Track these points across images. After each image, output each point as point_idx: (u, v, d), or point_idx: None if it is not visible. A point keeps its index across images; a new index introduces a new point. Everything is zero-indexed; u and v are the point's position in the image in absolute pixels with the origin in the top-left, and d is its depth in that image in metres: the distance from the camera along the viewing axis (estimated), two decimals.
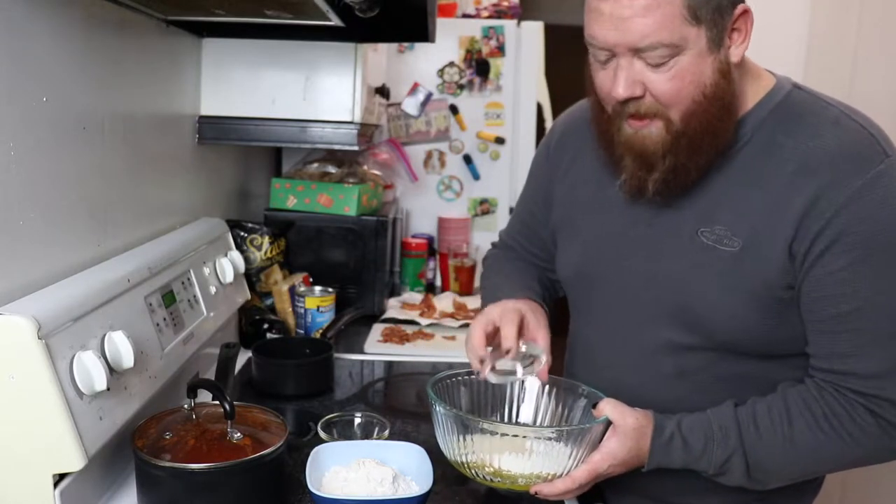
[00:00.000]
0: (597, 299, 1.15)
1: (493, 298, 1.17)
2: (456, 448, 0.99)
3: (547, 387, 1.11)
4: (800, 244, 0.94)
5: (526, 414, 1.12)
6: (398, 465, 1.06)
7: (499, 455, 0.97)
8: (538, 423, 1.12)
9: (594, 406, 1.01)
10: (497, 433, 0.97)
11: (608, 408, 0.99)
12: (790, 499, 1.11)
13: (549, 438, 0.97)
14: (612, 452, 0.97)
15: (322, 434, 1.22)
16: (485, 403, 1.12)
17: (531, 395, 1.12)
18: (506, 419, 1.13)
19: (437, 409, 1.00)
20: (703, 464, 0.99)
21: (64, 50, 1.06)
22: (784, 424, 0.97)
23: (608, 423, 0.99)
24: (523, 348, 1.07)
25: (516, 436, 0.99)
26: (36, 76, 0.99)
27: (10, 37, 0.93)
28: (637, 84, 0.94)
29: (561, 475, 0.97)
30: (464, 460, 1.00)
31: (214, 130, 1.67)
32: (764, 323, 0.98)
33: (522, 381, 1.10)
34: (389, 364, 1.74)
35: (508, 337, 1.05)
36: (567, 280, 1.21)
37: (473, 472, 1.00)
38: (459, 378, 1.11)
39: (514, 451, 0.97)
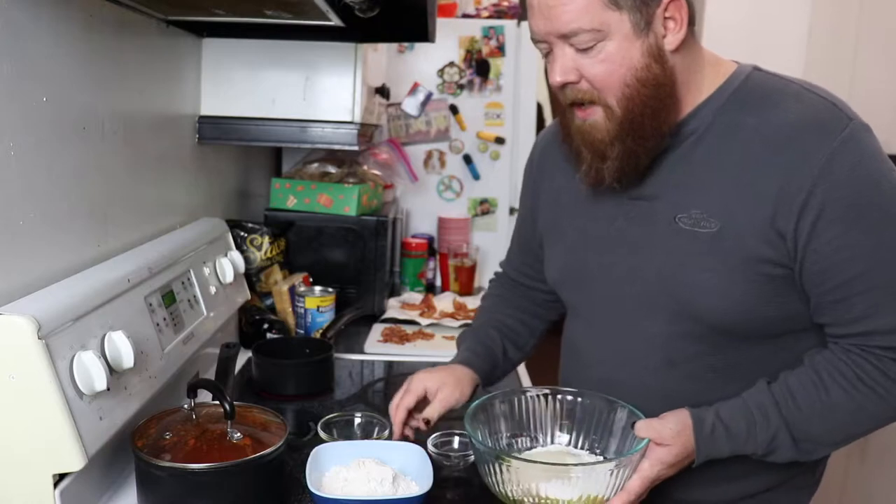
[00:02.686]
0: (584, 299, 1.16)
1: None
2: (501, 482, 0.96)
3: (587, 401, 1.10)
4: (786, 222, 0.95)
5: (565, 435, 1.11)
6: (398, 465, 1.06)
7: (544, 483, 0.94)
8: (577, 440, 1.10)
9: (632, 425, 1.01)
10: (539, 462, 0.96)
11: (643, 430, 0.99)
12: (789, 495, 1.12)
13: (595, 464, 0.96)
14: (659, 458, 0.98)
15: (322, 434, 1.22)
16: (522, 423, 1.11)
17: (569, 413, 1.11)
18: (545, 439, 1.11)
19: (477, 445, 0.98)
20: (750, 447, 1.00)
21: (64, 50, 1.06)
22: (821, 392, 0.98)
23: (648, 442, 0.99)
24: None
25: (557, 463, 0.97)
26: (36, 76, 0.99)
27: (10, 37, 0.93)
28: (571, 70, 0.99)
29: (605, 495, 0.95)
30: (510, 494, 0.96)
31: (214, 130, 1.67)
32: (753, 301, 0.99)
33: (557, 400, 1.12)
34: (389, 364, 1.74)
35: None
36: (554, 283, 1.22)
37: None
38: (495, 400, 1.09)
39: (558, 478, 0.94)
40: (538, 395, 1.12)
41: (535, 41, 1.02)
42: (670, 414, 1.00)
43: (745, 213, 0.97)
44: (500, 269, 1.44)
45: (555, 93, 1.05)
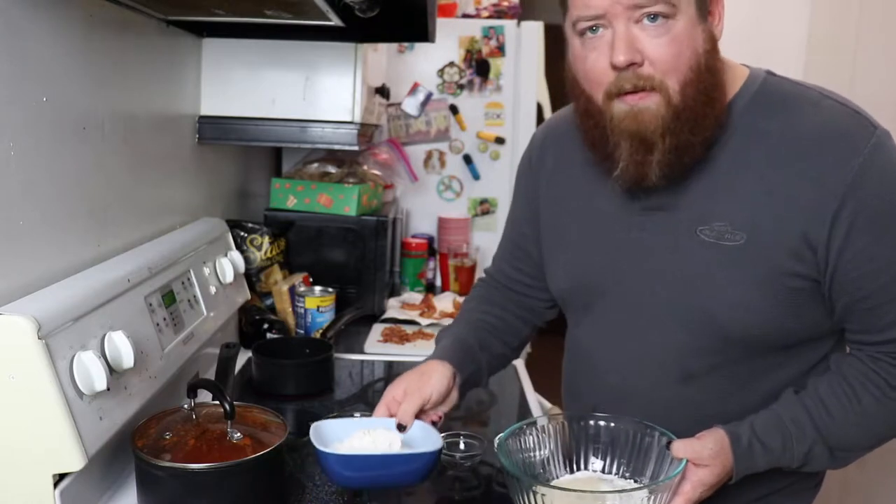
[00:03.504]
0: (595, 307, 1.13)
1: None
2: None
3: (620, 426, 1.06)
4: (817, 233, 0.94)
5: (597, 460, 1.07)
6: (404, 437, 1.04)
7: None
8: (612, 466, 1.06)
9: (667, 445, 0.98)
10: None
11: (681, 450, 0.97)
12: (789, 499, 1.11)
13: (632, 490, 0.92)
14: (700, 480, 0.96)
15: None
16: (555, 449, 1.07)
17: (601, 438, 1.07)
18: (578, 465, 1.08)
19: (510, 475, 0.95)
20: (786, 460, 0.99)
21: (64, 50, 1.06)
22: (853, 401, 0.98)
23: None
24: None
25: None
26: (36, 76, 0.99)
27: (10, 37, 0.93)
28: (636, 51, 0.92)
29: None
30: None
31: (214, 130, 1.67)
32: (775, 313, 0.98)
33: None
34: (389, 364, 1.74)
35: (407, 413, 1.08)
36: (561, 291, 1.19)
37: None
38: (526, 427, 1.05)
39: None
40: (570, 421, 1.08)
41: (587, 19, 0.95)
42: (707, 433, 0.98)
43: (773, 225, 0.95)
44: (484, 276, 1.37)
45: (593, 87, 0.98)
